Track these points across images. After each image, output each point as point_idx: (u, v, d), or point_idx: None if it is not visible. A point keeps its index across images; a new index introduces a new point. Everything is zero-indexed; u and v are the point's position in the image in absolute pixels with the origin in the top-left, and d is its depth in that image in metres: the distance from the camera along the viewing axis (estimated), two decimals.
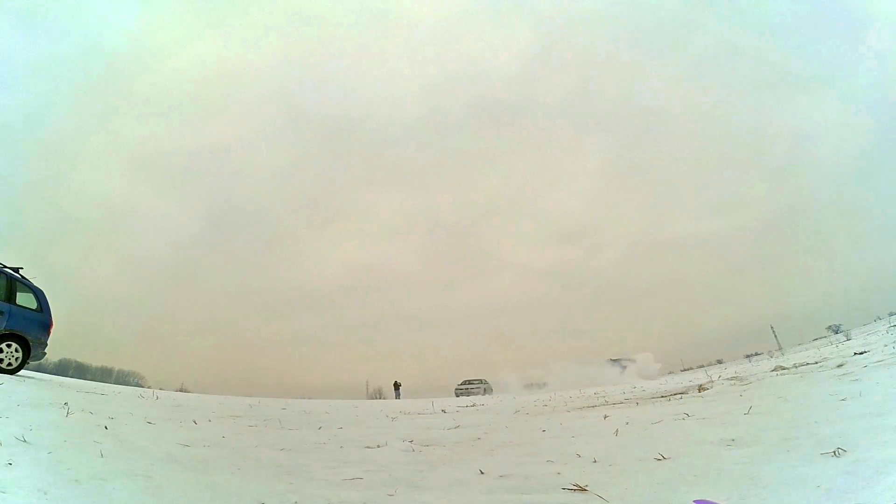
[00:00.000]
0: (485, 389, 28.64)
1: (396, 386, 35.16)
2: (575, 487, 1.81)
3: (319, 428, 4.29)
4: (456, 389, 29.36)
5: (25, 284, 9.15)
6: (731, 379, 7.46)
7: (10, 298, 8.82)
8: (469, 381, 30.81)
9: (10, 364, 8.66)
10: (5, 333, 8.71)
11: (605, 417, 4.27)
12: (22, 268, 9.00)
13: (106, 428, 3.04)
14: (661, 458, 2.20)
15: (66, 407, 3.74)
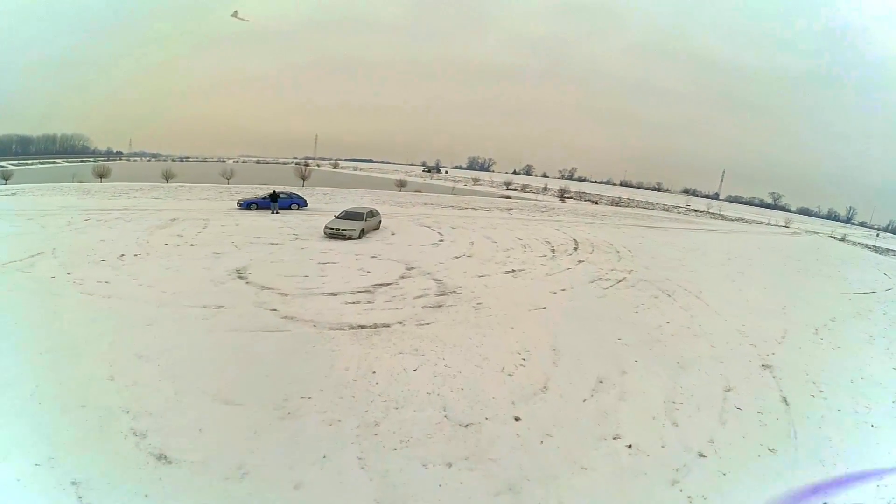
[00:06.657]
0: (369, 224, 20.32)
1: (274, 197, 24.60)
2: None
3: None
4: (326, 228, 19.11)
5: None
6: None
7: None
8: (350, 212, 20.86)
9: None
10: None
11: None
12: None
13: None
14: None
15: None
